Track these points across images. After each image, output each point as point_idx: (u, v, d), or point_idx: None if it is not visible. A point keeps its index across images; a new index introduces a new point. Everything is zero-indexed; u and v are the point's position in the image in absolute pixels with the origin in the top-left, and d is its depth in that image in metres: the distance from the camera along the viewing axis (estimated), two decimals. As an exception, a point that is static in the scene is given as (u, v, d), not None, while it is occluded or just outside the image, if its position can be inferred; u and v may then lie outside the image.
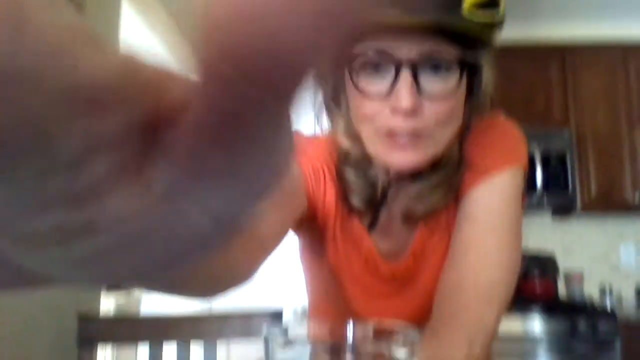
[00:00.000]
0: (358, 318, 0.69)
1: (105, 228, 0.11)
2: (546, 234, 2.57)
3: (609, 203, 2.39)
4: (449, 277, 0.59)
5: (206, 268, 0.43)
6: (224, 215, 0.12)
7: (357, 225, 0.69)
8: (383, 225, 0.66)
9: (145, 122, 0.10)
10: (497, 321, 0.56)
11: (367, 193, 0.64)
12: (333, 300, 0.74)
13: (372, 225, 0.65)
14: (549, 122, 2.43)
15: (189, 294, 0.43)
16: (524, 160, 0.63)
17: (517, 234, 0.59)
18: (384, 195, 0.64)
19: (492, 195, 0.60)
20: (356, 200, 0.66)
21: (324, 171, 0.66)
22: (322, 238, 0.71)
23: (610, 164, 2.41)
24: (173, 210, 0.11)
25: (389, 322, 0.47)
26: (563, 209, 2.42)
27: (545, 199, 2.32)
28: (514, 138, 0.64)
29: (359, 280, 0.69)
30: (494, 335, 0.55)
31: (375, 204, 0.65)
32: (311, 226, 0.71)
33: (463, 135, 0.61)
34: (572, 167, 2.35)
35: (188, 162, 0.11)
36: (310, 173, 0.65)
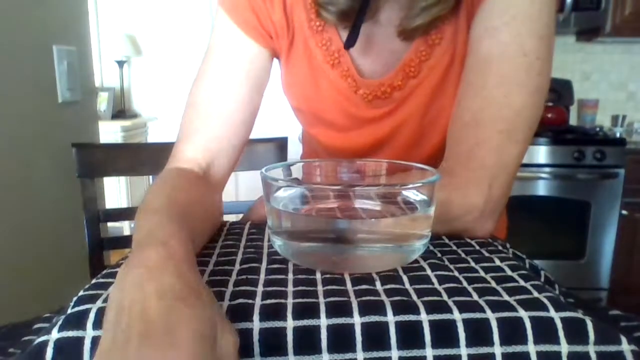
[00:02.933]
0: (338, 152, 0.63)
1: None
2: (566, 59, 2.44)
3: (642, 25, 2.18)
4: (465, 107, 0.50)
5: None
6: None
7: (336, 40, 0.58)
8: (366, 38, 0.55)
9: None
10: (521, 157, 0.48)
11: (344, 1, 0.52)
12: (309, 140, 0.69)
13: (349, 41, 0.53)
14: None
15: None
16: None
17: (550, 48, 0.48)
18: (366, 2, 0.52)
19: None
20: (327, 13, 0.54)
21: None
22: (283, 64, 0.62)
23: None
24: None
25: (404, 162, 0.42)
26: (590, 31, 2.22)
27: (572, 19, 2.12)
28: None
29: (336, 104, 0.60)
30: (515, 173, 0.49)
31: (351, 14, 0.53)
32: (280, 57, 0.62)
33: None
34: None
35: None
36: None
